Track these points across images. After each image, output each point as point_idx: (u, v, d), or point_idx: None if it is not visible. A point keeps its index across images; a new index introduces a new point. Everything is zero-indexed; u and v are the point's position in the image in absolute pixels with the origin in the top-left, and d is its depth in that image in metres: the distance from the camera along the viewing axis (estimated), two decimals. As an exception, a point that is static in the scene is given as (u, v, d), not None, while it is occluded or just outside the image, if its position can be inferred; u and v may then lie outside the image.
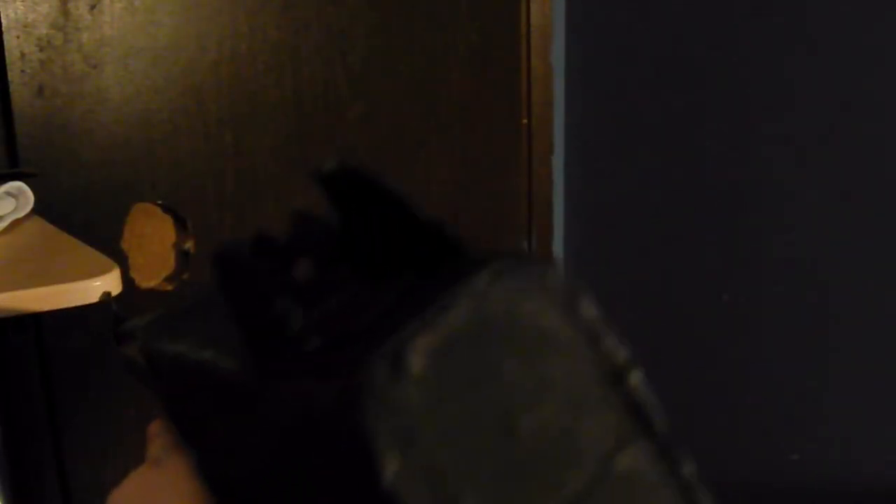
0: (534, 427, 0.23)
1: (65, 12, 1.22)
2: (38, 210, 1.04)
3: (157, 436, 0.36)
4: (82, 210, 1.27)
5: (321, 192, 0.31)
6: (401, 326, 0.23)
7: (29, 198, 1.01)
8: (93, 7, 1.24)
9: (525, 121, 1.65)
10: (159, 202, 1.34)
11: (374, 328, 0.24)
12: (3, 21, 1.18)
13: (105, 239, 1.27)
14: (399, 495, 0.22)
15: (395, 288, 0.26)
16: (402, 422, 0.22)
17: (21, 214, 1.00)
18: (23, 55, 1.21)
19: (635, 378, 0.25)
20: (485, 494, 0.22)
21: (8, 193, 0.99)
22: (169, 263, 1.36)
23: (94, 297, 0.76)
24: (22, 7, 1.20)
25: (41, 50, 1.22)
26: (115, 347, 0.30)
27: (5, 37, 1.19)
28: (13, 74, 1.20)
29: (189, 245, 1.36)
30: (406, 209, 0.28)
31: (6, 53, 1.19)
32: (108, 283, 0.77)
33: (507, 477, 0.23)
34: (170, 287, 1.36)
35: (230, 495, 0.31)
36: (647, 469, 0.24)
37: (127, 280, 1.31)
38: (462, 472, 0.22)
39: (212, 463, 0.32)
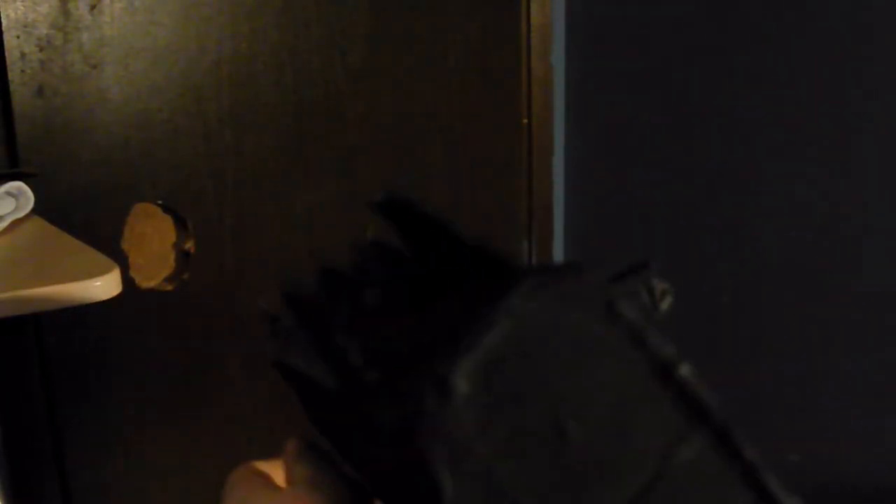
0: (586, 433, 0.24)
1: (65, 12, 1.22)
2: (38, 210, 1.04)
3: (295, 457, 0.35)
4: (82, 210, 1.27)
5: (379, 222, 0.32)
6: (444, 352, 0.24)
7: (29, 198, 1.01)
8: (93, 7, 1.24)
9: (525, 121, 1.65)
10: (159, 202, 1.34)
11: (422, 355, 0.25)
12: (3, 21, 1.18)
13: (105, 239, 1.27)
14: None
15: (443, 311, 0.27)
16: (457, 443, 0.23)
17: (21, 214, 1.00)
18: (23, 55, 1.21)
19: (685, 370, 0.25)
20: (545, 503, 0.23)
21: (8, 193, 0.99)
22: (169, 263, 1.36)
23: (94, 297, 0.76)
24: (22, 7, 1.20)
25: (41, 50, 1.22)
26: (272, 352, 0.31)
27: (5, 37, 1.19)
28: (13, 74, 1.20)
29: (189, 245, 1.36)
30: (449, 231, 0.29)
31: (6, 53, 1.19)
32: (108, 283, 0.77)
33: (564, 484, 0.23)
34: (170, 287, 1.36)
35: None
36: (709, 458, 0.24)
37: (127, 280, 1.31)
38: (519, 484, 0.23)
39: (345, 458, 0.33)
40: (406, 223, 0.31)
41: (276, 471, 0.36)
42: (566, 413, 0.24)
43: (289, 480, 0.34)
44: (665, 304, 0.28)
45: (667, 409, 0.25)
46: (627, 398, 0.24)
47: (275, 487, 0.34)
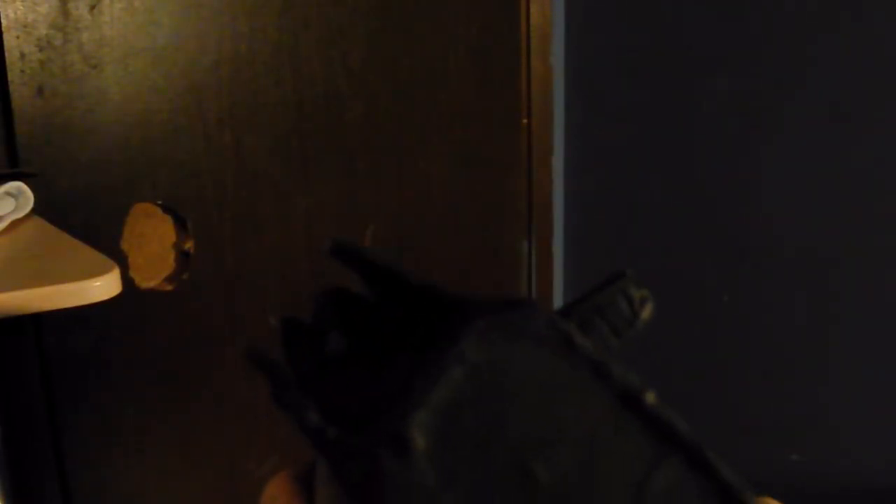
0: (555, 472, 0.23)
1: (65, 12, 1.22)
2: (37, 210, 1.03)
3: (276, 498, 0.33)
4: (82, 210, 1.27)
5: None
6: (397, 407, 0.23)
7: (29, 198, 1.01)
8: (93, 7, 1.24)
9: (525, 121, 1.65)
10: (159, 202, 1.34)
11: (379, 410, 0.24)
12: (2, 21, 1.18)
13: (105, 239, 1.27)
14: None
15: (400, 361, 0.26)
16: (421, 499, 0.23)
17: (21, 214, 1.00)
18: (22, 55, 1.21)
19: (651, 398, 0.25)
20: None
21: (8, 193, 0.99)
22: (169, 264, 1.36)
23: (94, 297, 0.76)
24: (22, 7, 1.20)
25: (41, 50, 1.22)
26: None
27: (5, 37, 1.19)
28: (13, 74, 1.20)
29: (189, 245, 1.36)
30: (397, 276, 0.28)
31: (6, 53, 1.19)
32: (108, 283, 0.77)
33: None
34: (169, 287, 1.36)
35: None
36: (685, 482, 0.24)
37: (127, 280, 1.31)
38: None
39: None
40: (360, 269, 0.30)
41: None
42: (531, 455, 0.23)
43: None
44: (645, 313, 0.28)
45: (636, 439, 0.24)
46: (594, 433, 0.24)
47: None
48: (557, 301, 1.76)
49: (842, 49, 1.34)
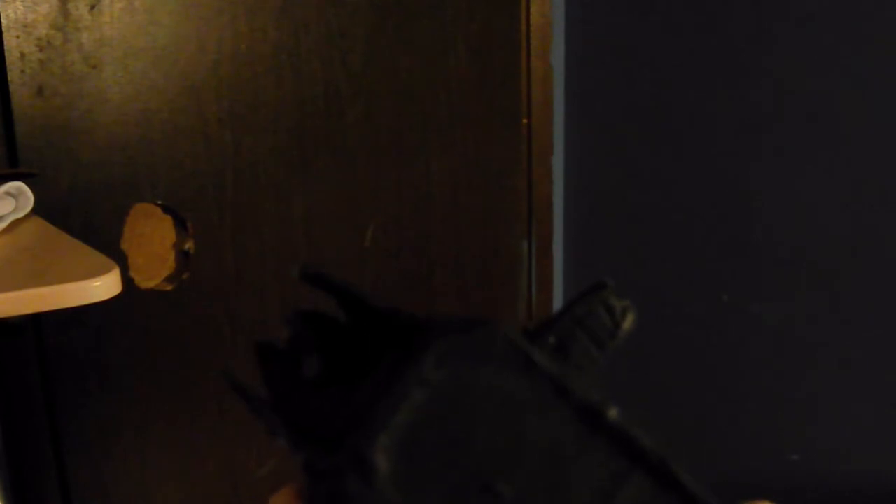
0: (519, 491, 0.24)
1: (64, 12, 1.22)
2: (37, 210, 1.03)
3: None
4: (82, 210, 1.27)
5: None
6: (360, 430, 0.24)
7: (29, 198, 1.01)
8: (92, 7, 1.24)
9: (525, 121, 1.65)
10: (159, 202, 1.34)
11: (343, 433, 0.25)
12: (2, 21, 1.18)
13: (105, 239, 1.27)
14: None
15: (367, 383, 0.26)
16: None
17: (21, 215, 1.00)
18: (22, 55, 1.21)
19: (612, 413, 0.25)
20: None
21: (7, 194, 0.99)
22: (169, 264, 1.36)
23: (94, 298, 0.76)
24: (21, 7, 1.20)
25: (41, 50, 1.22)
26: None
27: (5, 37, 1.19)
28: (13, 75, 1.20)
29: (189, 245, 1.36)
30: (361, 300, 0.29)
31: (6, 53, 1.19)
32: (108, 283, 0.77)
33: None
34: (169, 287, 1.36)
35: None
36: (651, 496, 0.24)
37: (126, 280, 1.31)
38: None
39: None
40: (331, 294, 0.30)
41: None
42: (496, 474, 0.24)
43: None
44: (627, 323, 0.28)
45: (600, 455, 0.24)
46: (558, 450, 0.24)
47: None
48: (557, 301, 1.76)
49: (842, 49, 1.34)
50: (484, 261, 1.65)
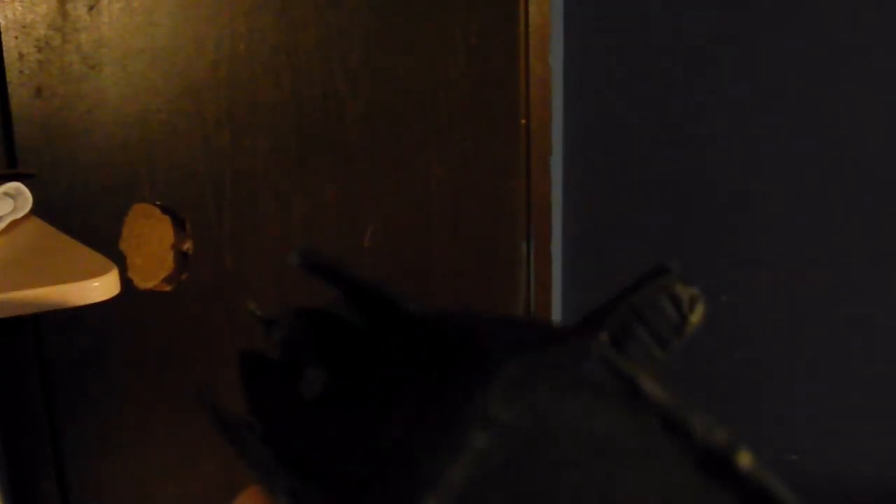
0: None
1: (63, 13, 1.22)
2: (36, 211, 1.03)
3: None
4: (81, 210, 1.27)
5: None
6: (399, 486, 0.18)
7: (27, 199, 1.01)
8: (91, 8, 1.24)
9: (524, 121, 1.65)
10: (158, 203, 1.34)
11: (372, 481, 0.19)
12: (1, 22, 1.18)
13: (104, 239, 1.27)
14: None
15: (395, 412, 0.21)
16: None
17: (19, 215, 1.00)
18: (21, 56, 1.21)
19: (745, 459, 0.19)
20: None
21: (6, 194, 0.99)
22: (167, 264, 1.36)
23: (93, 298, 0.76)
24: (20, 8, 1.20)
25: (39, 51, 1.22)
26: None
27: (3, 37, 1.19)
28: (11, 75, 1.20)
29: (187, 246, 1.36)
30: (385, 299, 0.22)
31: (4, 54, 1.19)
32: (107, 283, 0.76)
33: None
34: (168, 288, 1.36)
35: None
36: None
37: (125, 281, 1.31)
38: None
39: None
40: (340, 289, 0.23)
41: None
42: None
43: None
44: (695, 317, 0.22)
45: None
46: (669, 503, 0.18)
47: None
48: (556, 301, 1.76)
49: (842, 49, 1.34)
50: (483, 261, 1.65)
